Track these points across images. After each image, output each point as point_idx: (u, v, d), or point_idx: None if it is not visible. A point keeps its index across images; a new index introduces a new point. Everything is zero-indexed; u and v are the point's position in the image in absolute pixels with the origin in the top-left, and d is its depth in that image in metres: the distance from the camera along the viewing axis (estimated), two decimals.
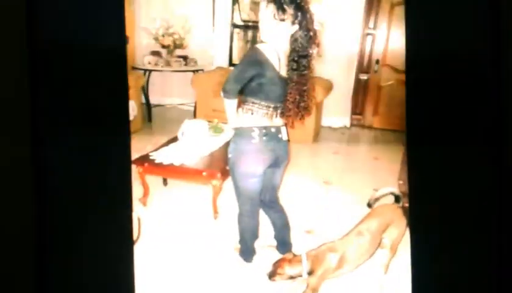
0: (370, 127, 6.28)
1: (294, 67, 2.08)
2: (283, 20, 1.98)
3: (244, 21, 6.50)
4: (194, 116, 5.74)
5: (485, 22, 1.29)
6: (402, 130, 5.77)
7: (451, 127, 1.40)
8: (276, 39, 2.04)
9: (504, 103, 1.27)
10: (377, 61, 6.06)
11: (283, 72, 2.10)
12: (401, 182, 3.73)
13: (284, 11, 1.97)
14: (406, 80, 1.47)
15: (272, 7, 1.98)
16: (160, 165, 3.12)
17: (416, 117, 1.46)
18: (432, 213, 1.44)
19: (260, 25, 2.07)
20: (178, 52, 6.14)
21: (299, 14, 1.99)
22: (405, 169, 3.70)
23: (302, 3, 2.00)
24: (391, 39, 5.94)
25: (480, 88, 1.33)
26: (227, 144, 2.45)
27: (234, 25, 6.48)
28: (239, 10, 6.42)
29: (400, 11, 5.72)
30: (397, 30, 5.87)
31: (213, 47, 6.50)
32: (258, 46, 2.05)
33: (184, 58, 6.13)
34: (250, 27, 6.49)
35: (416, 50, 1.37)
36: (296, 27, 2.02)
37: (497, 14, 1.26)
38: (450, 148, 1.40)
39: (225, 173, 3.02)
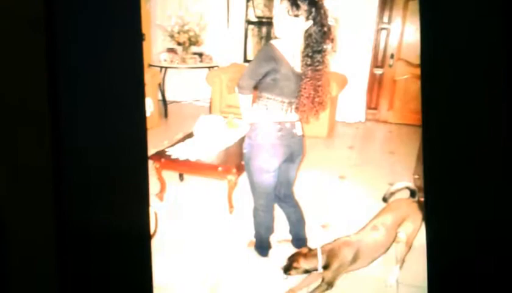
0: (385, 122, 6.23)
1: (309, 62, 2.07)
2: (297, 16, 1.97)
3: (258, 18, 6.48)
4: (210, 112, 5.75)
5: (499, 16, 1.27)
6: (418, 125, 5.74)
7: (467, 122, 1.38)
8: (290, 35, 2.03)
9: None
10: (392, 56, 6.00)
11: (298, 67, 2.08)
12: (416, 176, 3.69)
13: (298, 7, 1.95)
14: (422, 75, 1.45)
15: (286, 3, 1.97)
16: (176, 160, 3.13)
17: (431, 111, 1.45)
18: (448, 208, 1.42)
19: (274, 21, 2.06)
20: (194, 49, 6.15)
21: (313, 9, 1.98)
22: (420, 163, 3.67)
23: None
24: (405, 33, 5.87)
25: (494, 82, 1.31)
26: (242, 139, 2.45)
27: (249, 22, 6.47)
28: (253, 6, 6.40)
29: (414, 5, 5.65)
30: (411, 25, 5.80)
31: (228, 43, 6.49)
32: (273, 42, 2.04)
33: (200, 55, 6.13)
34: (264, 23, 6.47)
35: (430, 44, 1.35)
36: (310, 22, 2.00)
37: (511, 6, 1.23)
38: (466, 142, 1.38)
39: (240, 168, 3.01)
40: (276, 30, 2.05)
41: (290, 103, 2.14)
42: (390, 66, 6.05)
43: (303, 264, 2.18)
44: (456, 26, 1.32)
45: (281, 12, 1.99)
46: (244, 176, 2.61)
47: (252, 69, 2.08)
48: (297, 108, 2.18)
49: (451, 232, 1.42)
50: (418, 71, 6.00)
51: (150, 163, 3.16)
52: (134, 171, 1.45)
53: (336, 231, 2.84)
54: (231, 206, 3.17)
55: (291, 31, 2.01)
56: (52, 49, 1.17)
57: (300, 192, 2.80)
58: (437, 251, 1.42)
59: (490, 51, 1.30)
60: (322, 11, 2.00)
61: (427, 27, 1.37)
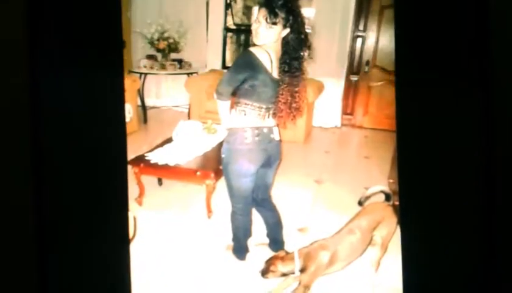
0: (360, 127, 6.29)
1: (286, 69, 2.07)
2: (275, 24, 1.97)
3: (236, 25, 6.49)
4: (189, 117, 5.72)
5: (474, 23, 1.29)
6: (392, 130, 5.81)
7: (441, 127, 1.40)
8: (268, 43, 2.03)
9: (495, 102, 1.27)
10: (367, 63, 6.07)
11: (275, 74, 2.09)
12: (391, 180, 3.73)
13: (276, 15, 1.96)
14: (396, 81, 1.46)
15: (264, 11, 1.97)
16: (155, 165, 3.10)
17: (405, 117, 1.46)
18: (422, 211, 1.44)
19: (253, 28, 2.06)
20: (173, 55, 6.13)
21: (291, 18, 1.98)
22: (395, 168, 3.70)
23: (293, 8, 2.00)
24: (380, 40, 5.95)
25: (469, 88, 1.33)
26: (221, 144, 2.44)
27: (227, 29, 6.48)
28: (232, 14, 6.42)
29: (389, 13, 5.73)
30: (386, 32, 5.87)
31: (207, 50, 6.49)
32: (251, 49, 2.04)
33: (179, 61, 6.11)
34: (243, 30, 6.48)
35: (405, 52, 1.37)
36: (288, 30, 2.01)
37: (486, 15, 1.26)
38: (440, 147, 1.39)
39: (218, 173, 3.00)
40: (254, 37, 2.06)
41: (268, 109, 2.14)
42: (365, 72, 6.11)
43: (281, 267, 2.18)
44: (431, 33, 1.34)
45: (259, 20, 2.00)
46: (222, 180, 2.60)
47: (230, 75, 2.08)
48: (274, 113, 2.18)
49: (426, 235, 1.44)
50: (393, 78, 6.10)
51: (129, 168, 3.13)
52: (113, 176, 1.43)
53: (312, 234, 2.85)
54: (209, 211, 3.15)
55: (269, 38, 2.02)
56: (33, 50, 1.15)
57: (277, 196, 2.80)
58: (412, 253, 1.43)
59: (464, 58, 1.32)
60: (299, 19, 2.01)
61: (402, 35, 1.38)
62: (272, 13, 1.96)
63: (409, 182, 1.48)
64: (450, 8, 1.31)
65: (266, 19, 1.97)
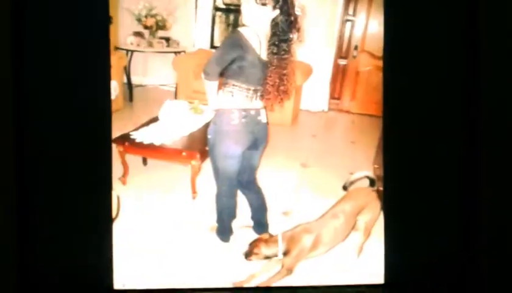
0: (347, 112, 6.28)
1: (275, 51, 2.06)
2: (264, 4, 1.96)
3: (226, 4, 6.40)
4: (175, 97, 5.67)
5: (461, 12, 1.29)
6: (379, 116, 5.78)
7: (426, 114, 1.40)
8: (257, 23, 2.01)
9: (480, 87, 1.28)
10: (356, 47, 6.05)
11: (264, 55, 2.07)
12: (376, 166, 3.74)
13: None
14: (384, 67, 1.47)
15: None
16: (140, 144, 3.08)
17: (391, 103, 1.46)
18: (405, 197, 1.45)
19: (242, 9, 2.04)
20: (161, 33, 6.03)
21: None
22: (380, 154, 3.71)
23: None
24: (369, 26, 5.91)
25: (454, 76, 1.34)
26: (207, 125, 2.43)
27: (217, 8, 6.39)
28: None
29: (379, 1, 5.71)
30: (376, 18, 5.84)
31: (195, 29, 6.40)
32: (240, 29, 2.02)
33: (167, 39, 6.02)
34: (232, 10, 6.40)
35: (392, 38, 1.37)
36: (277, 11, 1.99)
37: (474, 1, 1.26)
38: (425, 133, 1.40)
39: (204, 154, 2.98)
40: (244, 17, 2.04)
41: (255, 90, 2.13)
42: (354, 57, 6.09)
43: (264, 249, 2.19)
44: (418, 21, 1.34)
45: (249, 0, 1.98)
46: (207, 162, 2.60)
47: (218, 55, 2.06)
48: (262, 95, 2.17)
49: (408, 221, 1.45)
50: (381, 63, 6.08)
51: (114, 146, 3.10)
52: (97, 154, 1.42)
53: (297, 218, 2.86)
54: (194, 191, 3.15)
55: (258, 19, 2.00)
56: (19, 27, 1.13)
57: (262, 179, 2.80)
58: (394, 239, 1.45)
59: (451, 44, 1.33)
60: (289, 1, 1.99)
61: (390, 21, 1.38)
62: None
63: (393, 168, 1.49)
64: None
65: (256, 0, 1.95)
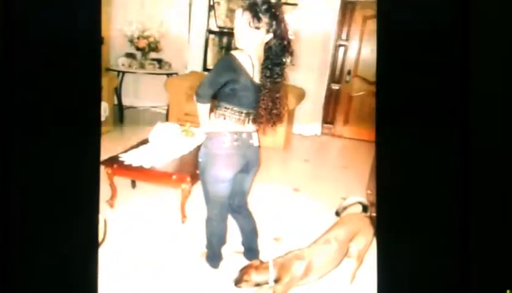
0: (340, 136, 6.32)
1: (268, 74, 2.07)
2: (258, 28, 1.98)
3: (219, 28, 6.47)
4: (167, 119, 5.68)
5: (452, 36, 1.31)
6: (372, 141, 5.84)
7: (419, 140, 1.41)
8: (251, 47, 2.03)
9: (472, 115, 1.29)
10: (349, 72, 6.11)
11: (257, 79, 2.08)
12: (369, 191, 3.74)
13: (259, 19, 1.97)
14: (377, 93, 1.47)
15: (247, 15, 1.98)
16: (129, 166, 3.06)
17: (384, 129, 1.47)
18: (399, 223, 1.45)
19: (235, 32, 2.06)
20: (153, 55, 6.08)
21: (274, 23, 1.99)
22: (373, 179, 3.73)
23: (277, 13, 2.00)
24: (362, 51, 6.00)
25: (446, 101, 1.35)
26: (198, 148, 2.42)
27: (210, 31, 6.46)
28: (215, 16, 6.40)
29: (372, 24, 5.79)
30: (368, 43, 5.93)
31: (188, 51, 6.45)
32: (233, 52, 2.04)
33: (159, 61, 6.07)
34: (225, 33, 6.47)
35: (386, 64, 1.38)
36: (270, 35, 2.01)
37: (466, 31, 1.28)
38: (417, 161, 1.41)
39: (194, 177, 2.98)
40: (237, 41, 2.05)
41: (248, 114, 2.14)
42: (347, 82, 6.16)
43: (255, 276, 2.16)
44: (411, 45, 1.35)
45: (242, 24, 2.00)
46: (197, 185, 2.58)
47: (211, 78, 2.07)
48: (254, 119, 2.17)
49: (401, 248, 1.44)
50: (374, 89, 6.13)
51: (102, 168, 3.08)
52: (85, 176, 1.40)
53: (288, 244, 2.84)
54: (183, 215, 3.12)
55: (251, 43, 2.02)
56: (9, 47, 1.12)
57: (254, 203, 2.79)
58: (387, 266, 1.44)
59: (443, 70, 1.34)
60: (283, 25, 2.02)
61: (383, 46, 1.39)
62: (256, 17, 1.96)
63: (386, 194, 1.48)
64: (429, 21, 1.33)
65: (249, 23, 1.97)
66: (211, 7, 6.32)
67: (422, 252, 1.42)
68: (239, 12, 2.02)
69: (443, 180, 1.38)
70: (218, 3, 6.38)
